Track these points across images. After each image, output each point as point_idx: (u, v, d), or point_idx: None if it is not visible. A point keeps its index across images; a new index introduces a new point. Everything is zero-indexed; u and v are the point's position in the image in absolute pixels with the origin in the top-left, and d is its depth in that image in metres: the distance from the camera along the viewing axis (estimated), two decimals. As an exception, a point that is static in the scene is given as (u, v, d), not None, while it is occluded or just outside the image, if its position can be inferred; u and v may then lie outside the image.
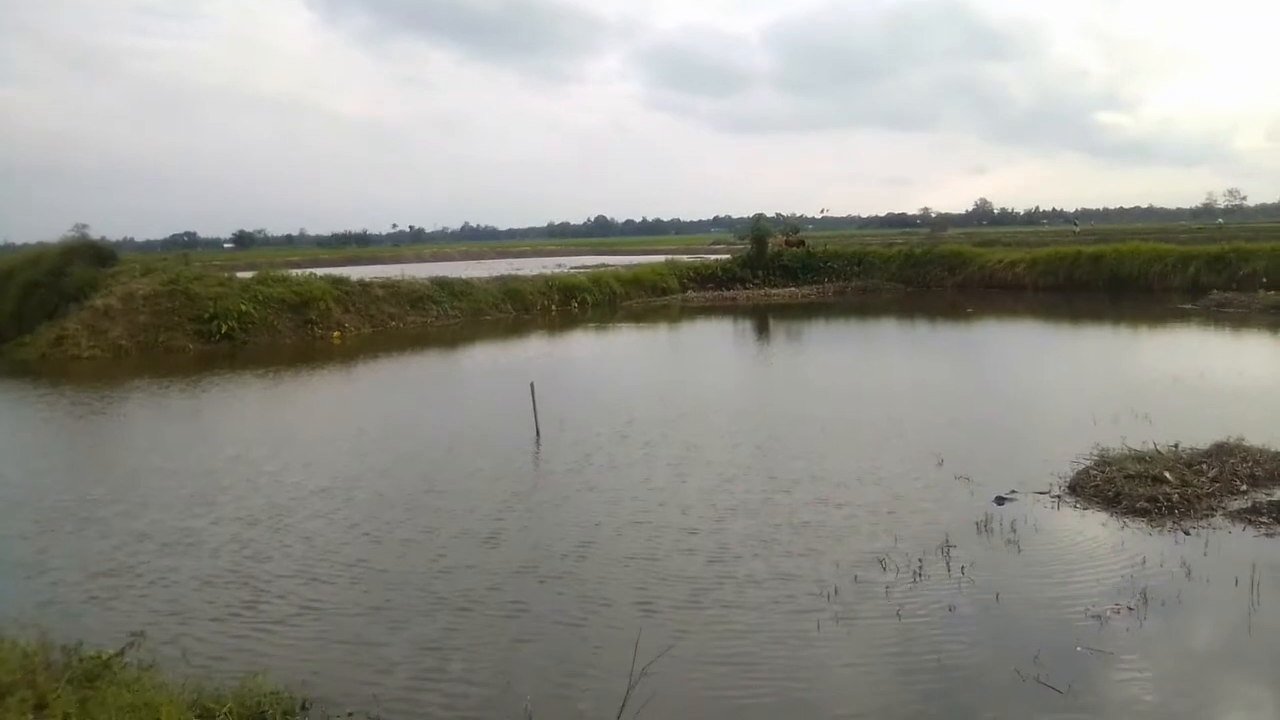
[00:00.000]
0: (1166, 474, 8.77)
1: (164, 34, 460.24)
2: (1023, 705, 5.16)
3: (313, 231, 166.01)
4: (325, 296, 26.87)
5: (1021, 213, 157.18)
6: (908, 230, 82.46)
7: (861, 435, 11.81)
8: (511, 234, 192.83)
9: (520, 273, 36.52)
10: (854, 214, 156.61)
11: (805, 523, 8.36)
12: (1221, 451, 9.46)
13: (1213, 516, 8.02)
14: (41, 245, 29.84)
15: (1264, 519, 7.83)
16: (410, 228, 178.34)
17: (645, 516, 8.76)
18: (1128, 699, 5.22)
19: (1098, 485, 8.83)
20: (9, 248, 56.66)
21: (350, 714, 5.31)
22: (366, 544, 8.34)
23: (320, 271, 30.89)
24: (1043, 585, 6.79)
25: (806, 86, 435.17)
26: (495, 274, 35.46)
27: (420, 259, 75.26)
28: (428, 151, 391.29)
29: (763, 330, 27.30)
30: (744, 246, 41.48)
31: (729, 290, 37.46)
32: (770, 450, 11.28)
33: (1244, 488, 8.63)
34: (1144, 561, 7.09)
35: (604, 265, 45.21)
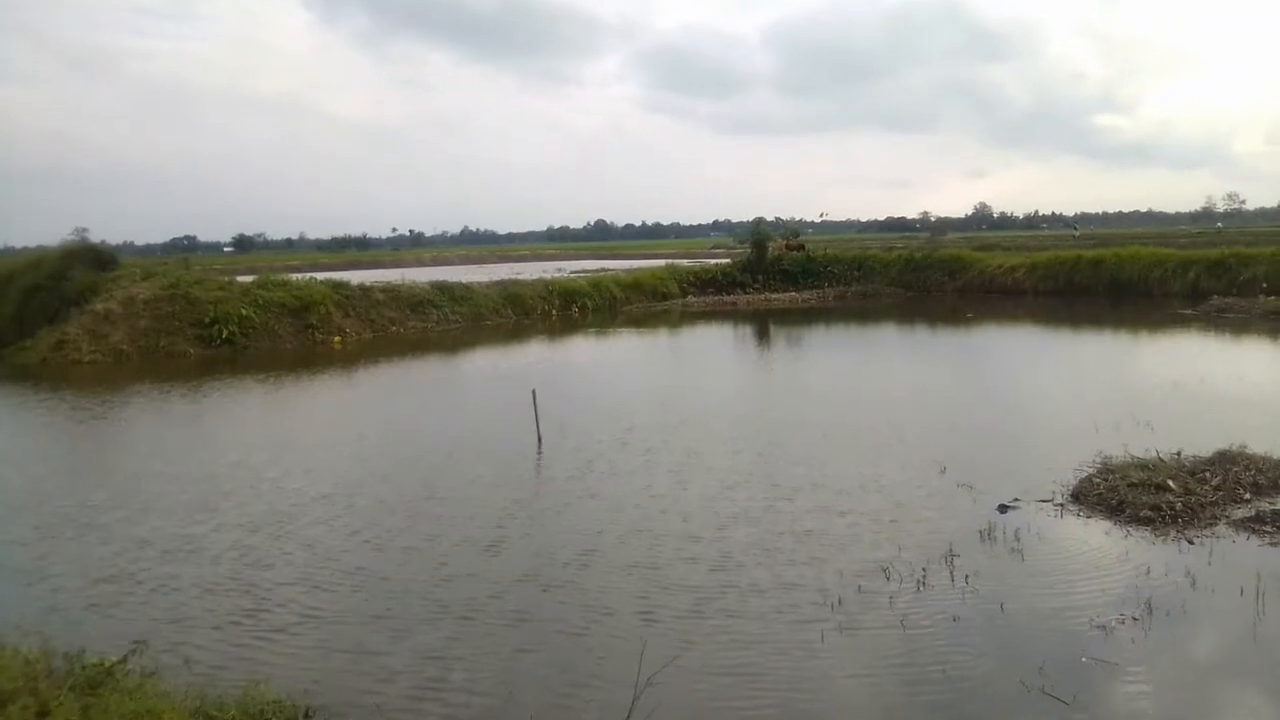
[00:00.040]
0: (1170, 482, 8.76)
1: (162, 35, 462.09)
2: (1028, 716, 5.14)
3: (312, 235, 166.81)
4: (325, 301, 26.87)
5: (1020, 216, 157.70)
6: (907, 234, 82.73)
7: (863, 441, 11.80)
8: (511, 238, 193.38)
9: (520, 277, 36.52)
10: (853, 218, 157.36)
11: (808, 531, 8.35)
12: (1224, 459, 9.45)
13: (1216, 525, 8.01)
14: (42, 249, 29.88)
15: (1268, 528, 7.82)
16: (410, 231, 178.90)
17: (647, 524, 8.75)
18: (1134, 711, 5.20)
19: (1101, 493, 8.82)
20: (9, 251, 56.85)
21: (353, 724, 5.29)
22: (368, 551, 8.32)
23: (320, 275, 30.97)
24: (1047, 595, 6.78)
25: (806, 87, 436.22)
26: (495, 278, 35.48)
27: (420, 263, 75.46)
28: (427, 153, 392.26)
29: (763, 335, 27.29)
30: (744, 251, 41.50)
31: (729, 295, 37.46)
32: (771, 457, 11.27)
33: (1247, 496, 8.62)
34: (1148, 571, 7.08)
35: (604, 270, 45.29)
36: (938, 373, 18.21)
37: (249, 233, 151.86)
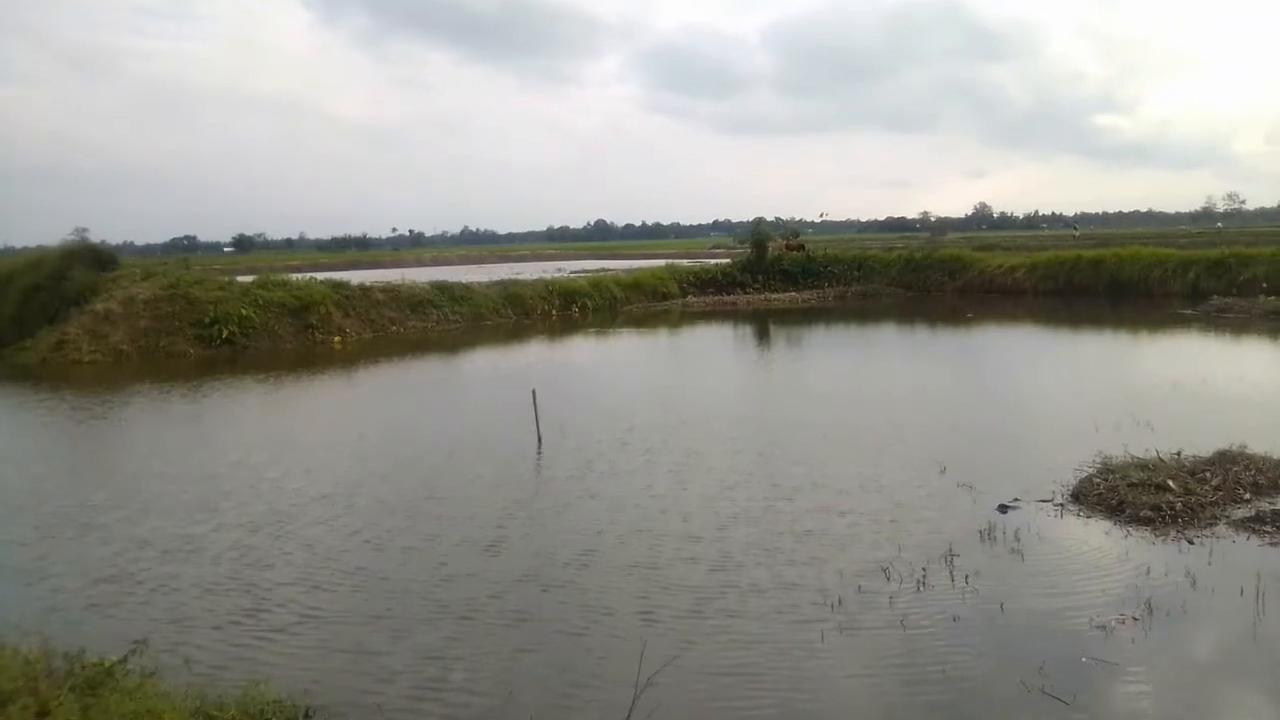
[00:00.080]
0: (1170, 482, 8.76)
1: (162, 35, 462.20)
2: (1028, 716, 5.14)
3: (312, 235, 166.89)
4: (325, 301, 26.87)
5: (1020, 216, 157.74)
6: (907, 234, 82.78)
7: (863, 441, 11.80)
8: (511, 238, 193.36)
9: (520, 277, 36.53)
10: (853, 218, 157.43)
11: (808, 531, 8.35)
12: (1224, 459, 9.45)
13: (1216, 525, 8.01)
14: (42, 249, 29.89)
15: (1268, 528, 7.82)
16: (410, 231, 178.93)
17: (647, 524, 8.75)
18: (1134, 711, 5.20)
19: (1101, 493, 8.82)
20: (9, 251, 56.89)
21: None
22: (368, 551, 8.32)
23: (320, 275, 30.97)
24: (1047, 595, 6.78)
25: (806, 87, 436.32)
26: (495, 278, 35.48)
27: (420, 263, 75.48)
28: (427, 152, 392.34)
29: (763, 335, 27.29)
30: (744, 251, 41.50)
31: (729, 295, 37.47)
32: (771, 457, 11.27)
33: (1247, 496, 8.62)
34: (1148, 571, 7.08)
35: (604, 270, 45.29)
36: (938, 373, 18.21)
37: (249, 233, 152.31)
